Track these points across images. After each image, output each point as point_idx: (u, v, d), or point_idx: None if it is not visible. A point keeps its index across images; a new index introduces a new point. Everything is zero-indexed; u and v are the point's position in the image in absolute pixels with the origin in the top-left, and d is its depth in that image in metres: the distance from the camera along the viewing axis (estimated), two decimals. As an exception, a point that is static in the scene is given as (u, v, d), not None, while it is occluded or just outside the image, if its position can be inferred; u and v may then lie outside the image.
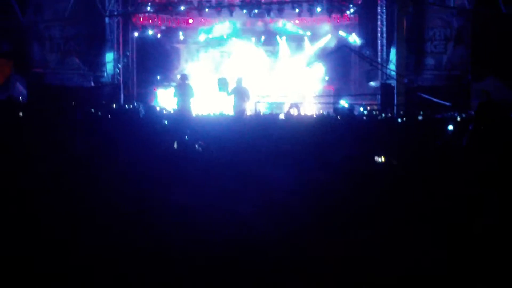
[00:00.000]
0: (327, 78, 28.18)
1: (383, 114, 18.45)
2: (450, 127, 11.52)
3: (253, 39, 29.38)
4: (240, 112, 16.81)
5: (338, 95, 26.09)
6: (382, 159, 8.70)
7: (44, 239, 4.46)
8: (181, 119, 14.58)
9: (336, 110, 17.30)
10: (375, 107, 20.68)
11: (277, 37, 29.22)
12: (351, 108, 15.29)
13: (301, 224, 4.95)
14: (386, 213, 5.43)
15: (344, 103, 22.46)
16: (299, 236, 4.61)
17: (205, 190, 5.79)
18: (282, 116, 14.86)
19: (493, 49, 21.00)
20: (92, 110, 16.42)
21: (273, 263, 3.98)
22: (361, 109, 19.13)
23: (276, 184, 5.98)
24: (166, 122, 14.37)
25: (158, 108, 18.93)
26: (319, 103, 26.29)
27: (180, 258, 4.10)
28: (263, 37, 29.20)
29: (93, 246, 4.32)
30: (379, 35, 24.78)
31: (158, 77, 27.74)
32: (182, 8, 22.88)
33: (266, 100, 19.91)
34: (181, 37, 28.48)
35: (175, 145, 8.70)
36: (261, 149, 8.48)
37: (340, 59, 27.60)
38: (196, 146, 9.54)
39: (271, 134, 10.29)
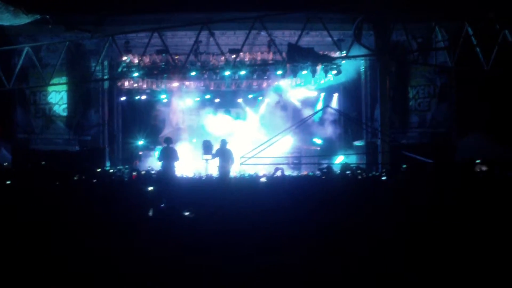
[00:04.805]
0: (316, 139, 28.30)
1: (368, 174, 18.39)
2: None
3: (240, 99, 29.69)
4: (223, 174, 16.78)
5: (323, 155, 26.15)
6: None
7: None
8: (162, 182, 14.48)
9: (321, 170, 17.26)
10: (360, 167, 20.63)
11: (259, 98, 29.61)
12: (332, 168, 15.27)
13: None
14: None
15: (341, 159, 22.53)
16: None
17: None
18: (264, 179, 14.80)
19: (476, 106, 21.12)
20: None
21: None
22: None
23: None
24: (149, 187, 14.21)
25: (142, 172, 18.79)
26: (304, 163, 26.31)
27: None
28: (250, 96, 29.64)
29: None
30: (363, 94, 24.97)
31: (141, 142, 27.77)
32: (167, 72, 22.97)
33: (250, 161, 19.86)
34: (165, 100, 28.68)
35: (150, 213, 8.50)
36: (244, 212, 8.26)
37: (324, 119, 27.78)
38: (184, 212, 9.32)
39: (254, 198, 10.14)
